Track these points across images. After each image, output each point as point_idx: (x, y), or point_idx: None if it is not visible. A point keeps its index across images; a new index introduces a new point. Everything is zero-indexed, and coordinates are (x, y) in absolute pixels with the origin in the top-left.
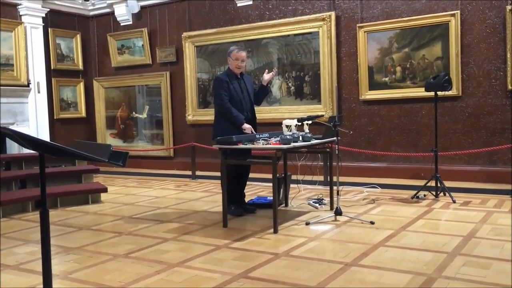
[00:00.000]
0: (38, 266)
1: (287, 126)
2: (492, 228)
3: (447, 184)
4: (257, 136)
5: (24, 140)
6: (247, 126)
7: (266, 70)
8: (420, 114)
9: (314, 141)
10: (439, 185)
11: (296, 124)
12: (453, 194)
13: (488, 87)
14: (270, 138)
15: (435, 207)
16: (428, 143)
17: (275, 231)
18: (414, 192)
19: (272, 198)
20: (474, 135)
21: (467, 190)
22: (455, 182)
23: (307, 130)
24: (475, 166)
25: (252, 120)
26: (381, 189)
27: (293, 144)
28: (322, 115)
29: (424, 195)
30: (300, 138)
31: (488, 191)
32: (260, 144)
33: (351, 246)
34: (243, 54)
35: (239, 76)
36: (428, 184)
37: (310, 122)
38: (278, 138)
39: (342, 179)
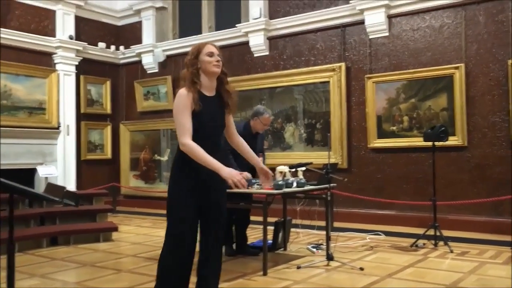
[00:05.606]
0: None
1: (280, 172)
2: (478, 278)
3: (451, 233)
4: (253, 181)
5: None
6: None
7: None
8: (427, 163)
9: (308, 187)
10: (437, 234)
11: (289, 170)
12: (453, 243)
13: (493, 138)
14: None
15: (430, 256)
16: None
17: (265, 273)
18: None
19: (272, 241)
20: (480, 185)
21: (468, 240)
22: (460, 231)
23: (301, 176)
24: (480, 216)
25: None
26: (385, 236)
27: (284, 190)
28: (311, 163)
29: (424, 244)
30: (295, 184)
31: (488, 242)
32: (253, 189)
33: None
34: (271, 119)
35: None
36: (431, 233)
37: (304, 168)
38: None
39: (349, 225)
